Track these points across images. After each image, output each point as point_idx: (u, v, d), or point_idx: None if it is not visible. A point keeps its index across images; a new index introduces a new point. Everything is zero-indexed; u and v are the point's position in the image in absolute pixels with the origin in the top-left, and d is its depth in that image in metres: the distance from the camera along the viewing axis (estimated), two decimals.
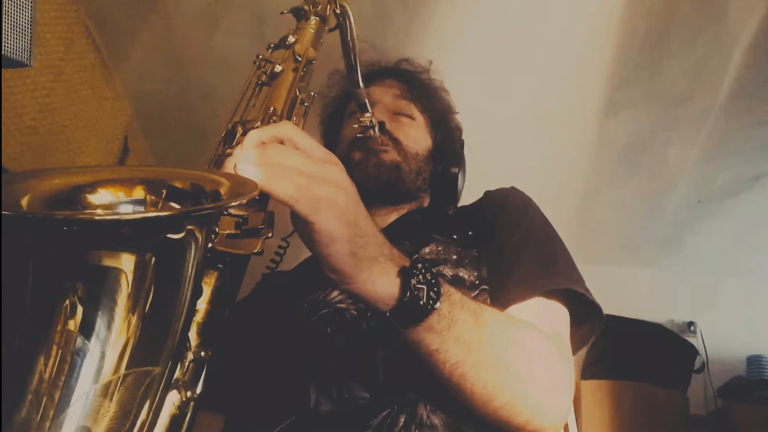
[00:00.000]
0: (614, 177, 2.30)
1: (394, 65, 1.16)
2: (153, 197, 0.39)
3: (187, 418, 0.47)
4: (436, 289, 0.57)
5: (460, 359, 0.60)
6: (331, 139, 1.15)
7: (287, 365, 0.77)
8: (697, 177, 2.25)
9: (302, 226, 0.51)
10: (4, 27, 0.93)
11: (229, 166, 0.50)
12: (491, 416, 0.65)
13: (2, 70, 1.08)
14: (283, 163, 0.49)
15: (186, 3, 1.76)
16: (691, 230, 2.54)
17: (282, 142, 0.52)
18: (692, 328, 2.71)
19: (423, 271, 0.57)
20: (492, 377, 0.62)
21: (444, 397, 0.68)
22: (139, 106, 2.08)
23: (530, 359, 0.66)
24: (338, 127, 1.14)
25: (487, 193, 0.98)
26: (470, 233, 0.89)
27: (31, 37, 0.99)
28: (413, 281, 0.56)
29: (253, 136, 0.52)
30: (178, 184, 0.41)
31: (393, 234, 0.94)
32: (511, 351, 0.65)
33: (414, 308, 0.56)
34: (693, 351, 2.53)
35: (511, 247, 0.83)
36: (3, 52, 0.94)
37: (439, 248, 0.85)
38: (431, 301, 0.56)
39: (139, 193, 0.39)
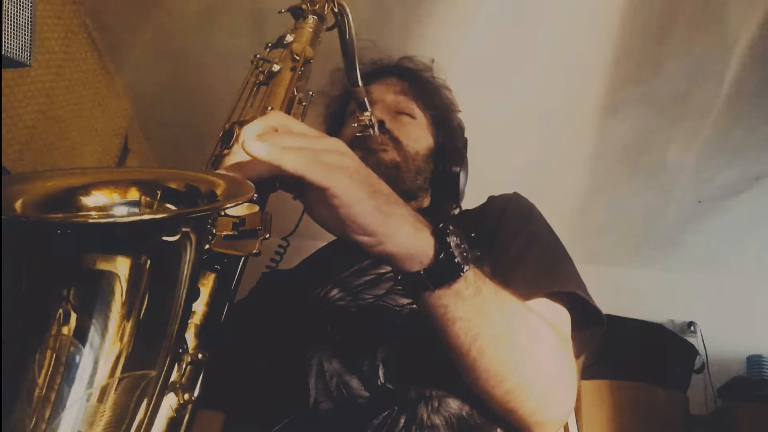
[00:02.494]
0: (614, 177, 2.30)
1: (395, 63, 1.16)
2: (148, 199, 0.39)
3: (185, 421, 0.47)
4: (465, 253, 0.58)
5: (481, 331, 0.60)
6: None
7: (287, 363, 0.77)
8: (697, 177, 2.25)
9: (319, 199, 0.51)
10: (4, 27, 0.93)
11: (230, 162, 0.50)
12: (499, 400, 0.65)
13: (2, 70, 1.08)
14: (285, 144, 0.50)
15: (186, 3, 1.75)
16: (691, 230, 2.54)
17: (276, 131, 0.53)
18: (692, 328, 2.70)
19: (455, 233, 0.58)
20: (508, 355, 0.62)
21: (445, 395, 0.68)
22: (139, 106, 2.07)
23: (539, 345, 0.67)
24: (341, 125, 1.14)
25: (491, 198, 0.98)
26: (473, 235, 0.89)
27: (31, 37, 0.99)
28: (448, 239, 0.57)
29: (249, 129, 0.52)
30: (173, 185, 0.40)
31: None
32: (526, 333, 0.65)
33: (448, 267, 0.57)
34: (693, 351, 2.53)
35: (514, 249, 0.83)
36: (3, 52, 0.94)
37: None
38: (462, 264, 0.57)
39: (133, 194, 0.39)
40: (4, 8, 0.93)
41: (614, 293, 2.16)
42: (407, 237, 0.55)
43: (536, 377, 0.65)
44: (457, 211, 1.06)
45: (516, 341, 0.64)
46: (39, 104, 1.56)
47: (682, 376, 2.46)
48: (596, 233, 2.59)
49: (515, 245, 0.83)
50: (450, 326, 0.60)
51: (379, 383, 0.70)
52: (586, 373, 2.38)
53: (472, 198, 1.04)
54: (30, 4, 0.99)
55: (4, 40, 0.94)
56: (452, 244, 0.57)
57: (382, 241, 0.54)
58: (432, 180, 1.05)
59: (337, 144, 0.54)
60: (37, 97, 1.55)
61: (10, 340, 0.35)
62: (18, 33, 0.97)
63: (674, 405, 2.35)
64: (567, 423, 1.01)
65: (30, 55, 1.00)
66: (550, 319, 0.75)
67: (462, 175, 1.06)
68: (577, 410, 2.26)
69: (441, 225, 0.58)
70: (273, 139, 0.49)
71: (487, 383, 0.63)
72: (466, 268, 0.57)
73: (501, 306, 0.63)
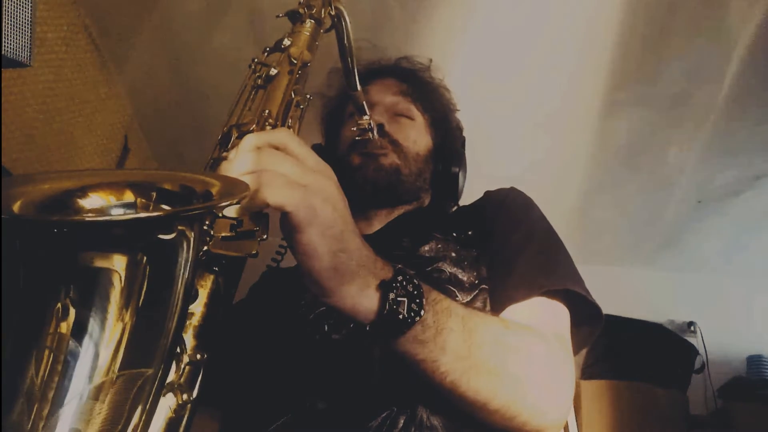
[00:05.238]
0: (614, 177, 2.30)
1: (393, 64, 1.16)
2: (143, 200, 0.39)
3: (184, 421, 0.47)
4: (418, 300, 0.57)
5: (449, 368, 0.60)
6: (331, 138, 1.15)
7: (284, 362, 0.78)
8: (697, 177, 2.25)
9: (289, 235, 0.51)
10: (4, 27, 0.93)
11: (224, 169, 0.50)
12: (489, 419, 0.65)
13: (2, 70, 1.08)
14: (275, 169, 0.49)
15: (186, 3, 1.75)
16: (691, 230, 2.54)
17: (277, 149, 0.53)
18: (692, 328, 2.70)
19: (404, 283, 0.57)
20: (484, 383, 0.62)
21: (441, 398, 0.68)
22: (139, 106, 2.07)
23: (526, 362, 0.66)
24: (339, 126, 1.14)
25: (487, 193, 0.98)
26: (470, 232, 0.89)
27: (31, 36, 0.99)
28: (392, 295, 0.56)
29: (249, 140, 0.52)
30: (168, 187, 0.41)
31: (392, 232, 0.95)
32: (504, 355, 0.64)
33: (393, 322, 0.56)
34: (693, 351, 2.53)
35: (511, 246, 0.83)
36: (3, 52, 0.94)
37: (439, 246, 0.85)
38: (412, 314, 0.56)
39: (129, 196, 0.39)
40: (4, 8, 0.93)
41: (614, 293, 2.15)
42: (354, 295, 0.55)
43: (525, 392, 0.65)
44: (452, 211, 1.06)
45: (492, 367, 0.63)
46: (39, 104, 1.56)
47: (682, 376, 2.46)
48: (596, 233, 2.59)
49: (512, 243, 0.83)
50: (416, 366, 0.60)
51: (374, 383, 0.71)
52: (586, 373, 2.38)
53: (472, 198, 1.04)
54: (30, 4, 0.99)
55: (4, 40, 0.94)
56: (395, 298, 0.56)
57: (328, 295, 0.54)
58: (432, 180, 1.05)
59: (324, 186, 0.52)
60: (37, 97, 1.55)
61: (8, 338, 0.35)
62: (18, 33, 0.97)
63: (674, 405, 2.35)
64: (567, 423, 1.01)
65: (30, 55, 1.00)
66: (548, 318, 0.75)
67: (461, 175, 1.06)
68: (577, 410, 2.26)
69: (393, 274, 0.57)
70: (262, 163, 0.49)
71: (472, 407, 0.64)
72: (417, 317, 0.56)
73: (469, 337, 0.62)
